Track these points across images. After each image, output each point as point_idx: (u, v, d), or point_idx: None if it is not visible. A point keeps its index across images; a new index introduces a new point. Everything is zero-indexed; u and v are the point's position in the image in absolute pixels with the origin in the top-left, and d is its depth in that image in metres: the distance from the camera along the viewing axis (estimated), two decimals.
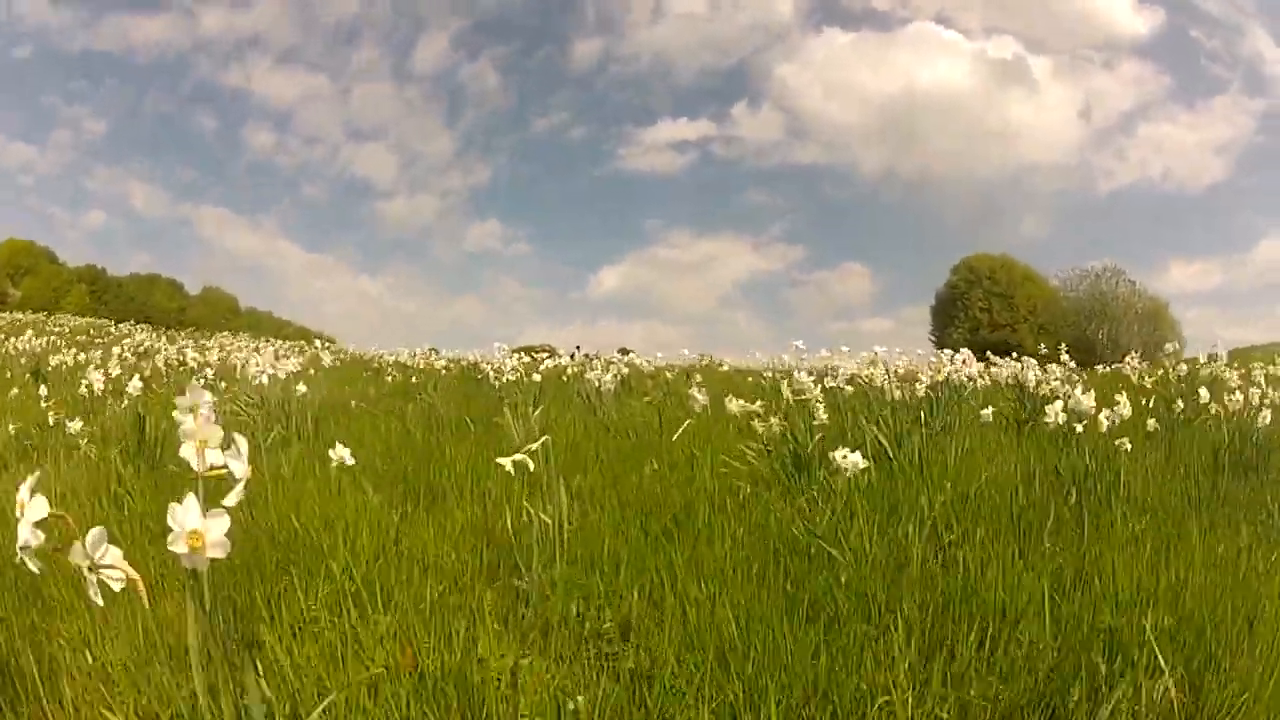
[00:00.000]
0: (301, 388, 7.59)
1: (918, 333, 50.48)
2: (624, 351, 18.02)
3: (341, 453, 4.01)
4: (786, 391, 5.73)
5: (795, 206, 55.09)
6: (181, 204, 58.40)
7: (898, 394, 6.47)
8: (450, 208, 56.54)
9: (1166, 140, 48.49)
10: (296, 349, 23.16)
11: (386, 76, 56.33)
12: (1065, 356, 13.09)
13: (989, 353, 14.49)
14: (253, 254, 57.51)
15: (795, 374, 5.68)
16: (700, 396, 4.42)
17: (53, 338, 23.90)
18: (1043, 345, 14.83)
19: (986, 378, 10.51)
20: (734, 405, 5.10)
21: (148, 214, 56.47)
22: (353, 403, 8.31)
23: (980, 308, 46.10)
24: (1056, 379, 9.68)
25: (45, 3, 51.23)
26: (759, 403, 5.20)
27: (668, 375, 10.85)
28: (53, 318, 36.22)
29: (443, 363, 11.59)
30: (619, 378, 10.44)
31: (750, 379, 11.28)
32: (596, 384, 5.66)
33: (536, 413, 6.15)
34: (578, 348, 23.46)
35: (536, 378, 9.22)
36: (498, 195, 56.06)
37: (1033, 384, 9.44)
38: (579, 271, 64.51)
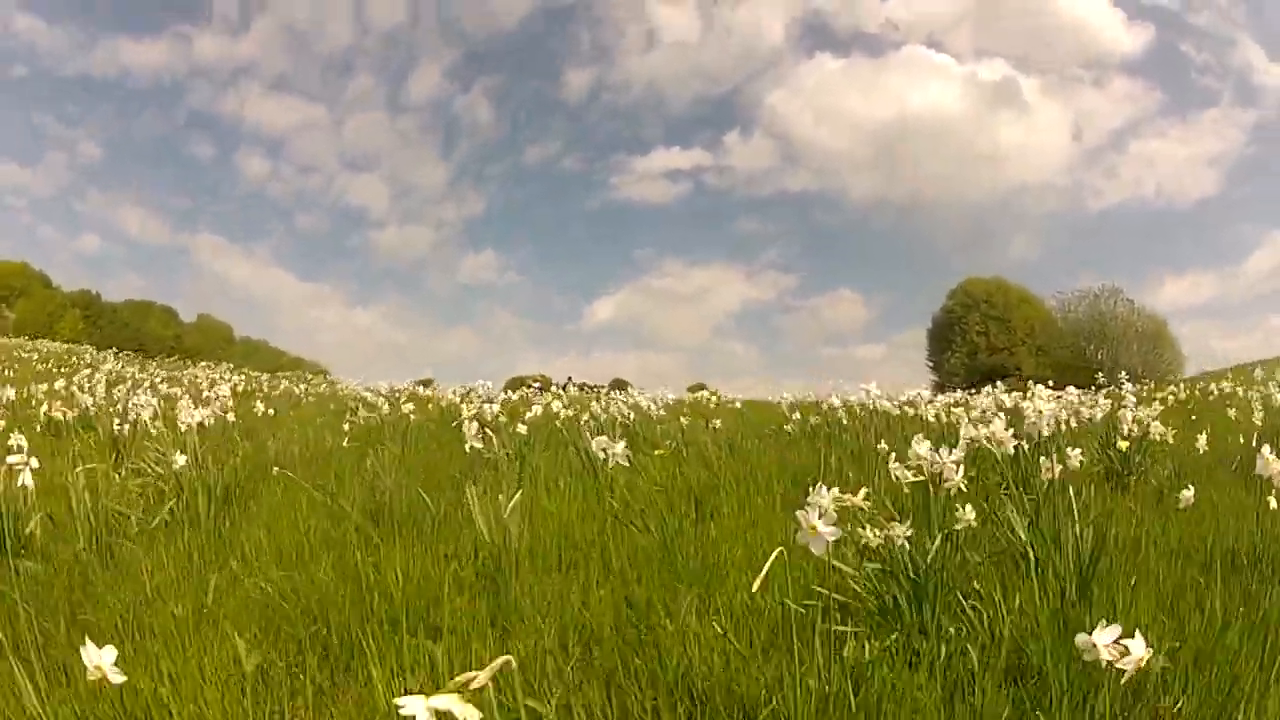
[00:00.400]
0: (179, 459, 5.44)
1: (910, 357, 49.13)
2: (620, 385, 16.01)
3: (103, 662, 1.90)
4: (900, 472, 3.65)
5: (787, 233, 53.41)
6: (176, 231, 56.68)
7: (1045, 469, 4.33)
8: (444, 238, 54.76)
9: (1158, 156, 47.12)
10: (265, 381, 21.10)
11: (380, 106, 54.52)
12: (1128, 383, 10.99)
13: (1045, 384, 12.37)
14: (246, 283, 55.63)
15: (914, 445, 3.59)
16: (824, 528, 2.27)
17: (17, 365, 21.98)
18: (1100, 374, 12.66)
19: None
20: (825, 498, 3.03)
21: (142, 240, 54.81)
22: (275, 469, 6.18)
23: (978, 331, 44.29)
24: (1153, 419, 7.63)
25: (42, 22, 49.44)
26: (864, 492, 3.13)
27: (682, 420, 8.79)
28: (37, 342, 34.20)
29: (410, 407, 9.46)
30: (626, 427, 8.37)
31: (787, 427, 9.19)
32: (604, 455, 3.62)
33: (514, 500, 4.03)
34: (569, 378, 21.39)
35: (523, 428, 7.18)
36: (491, 226, 54.40)
37: (1129, 423, 7.36)
38: (573, 302, 63.16)
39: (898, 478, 3.60)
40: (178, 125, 54.87)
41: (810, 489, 2.62)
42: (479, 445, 4.24)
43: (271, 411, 11.94)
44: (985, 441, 4.09)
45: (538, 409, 7.45)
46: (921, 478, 3.55)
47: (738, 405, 12.73)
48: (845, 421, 9.22)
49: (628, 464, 3.59)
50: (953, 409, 9.04)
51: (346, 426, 8.58)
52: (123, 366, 24.37)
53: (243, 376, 21.70)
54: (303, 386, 20.10)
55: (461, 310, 58.89)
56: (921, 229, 53.00)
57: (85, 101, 54.46)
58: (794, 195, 52.20)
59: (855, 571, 3.51)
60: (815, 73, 49.42)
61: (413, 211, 56.68)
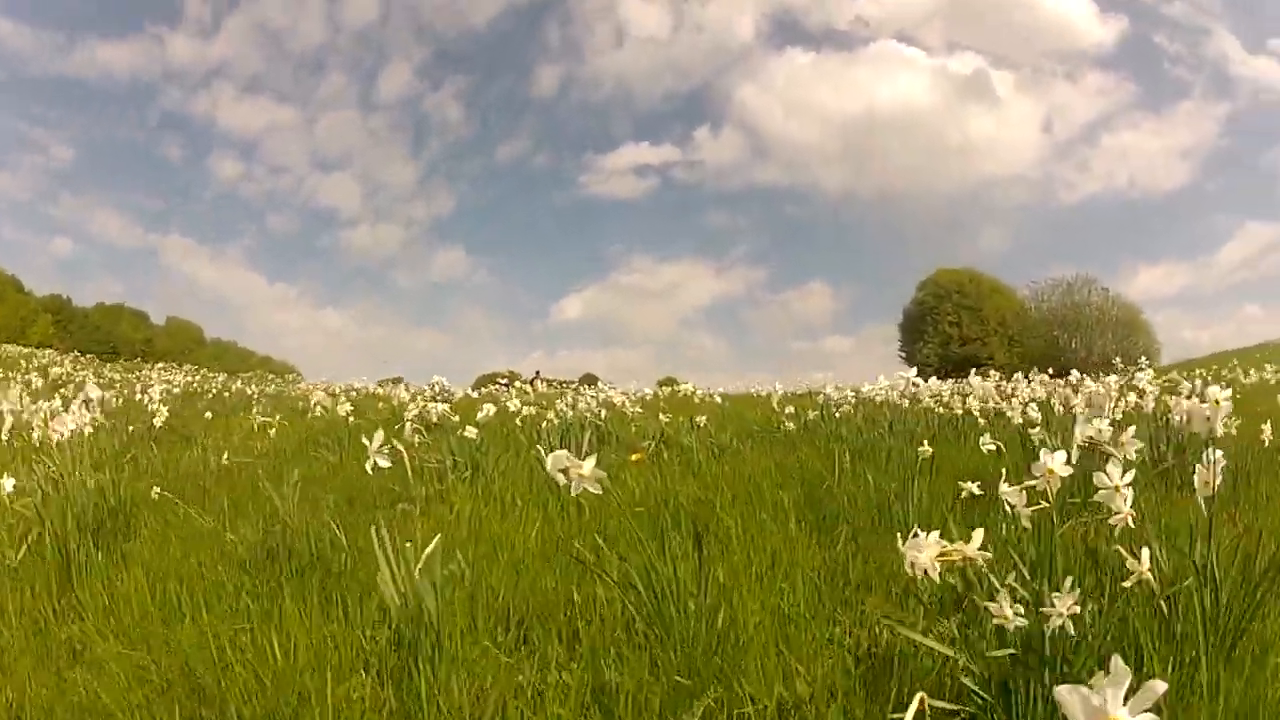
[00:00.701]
0: (6, 484, 4.13)
1: (879, 350, 48.15)
2: (590, 381, 14.72)
3: None
4: (1014, 498, 2.34)
5: (757, 227, 52.26)
6: (148, 233, 54.80)
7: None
8: (414, 236, 53.26)
9: (1130, 148, 46.24)
10: (221, 381, 19.66)
11: (352, 105, 52.91)
12: (1148, 369, 9.76)
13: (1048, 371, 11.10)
14: (217, 284, 54.03)
15: (1043, 457, 2.30)
16: None
17: None
18: (1119, 359, 11.54)
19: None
20: (924, 554, 1.79)
21: (115, 243, 53.09)
22: (155, 491, 4.85)
23: (950, 322, 43.33)
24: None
25: (14, 25, 47.46)
26: (978, 537, 1.88)
27: (662, 418, 7.47)
28: (3, 347, 32.57)
29: (348, 408, 8.15)
30: (598, 427, 7.07)
31: (789, 424, 7.86)
32: (563, 478, 2.34)
33: (430, 549, 2.70)
34: (536, 373, 20.06)
35: (471, 433, 5.84)
36: (461, 223, 52.85)
37: (1183, 412, 6.11)
38: (541, 300, 61.89)
39: (1012, 506, 2.32)
40: (150, 127, 52.97)
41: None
42: (385, 463, 2.92)
43: (209, 415, 10.59)
44: (1108, 446, 2.81)
45: (490, 408, 6.12)
46: (1044, 504, 2.29)
47: (718, 399, 11.45)
48: (839, 415, 8.04)
49: (601, 490, 2.27)
50: (964, 398, 7.81)
51: (273, 433, 7.23)
52: (79, 369, 22.96)
53: (197, 377, 20.31)
54: (254, 387, 18.67)
55: (432, 308, 57.50)
56: (892, 222, 52.01)
57: (59, 104, 52.72)
58: (764, 189, 50.98)
59: (953, 652, 2.25)
60: (785, 68, 48.24)
61: (383, 210, 55.23)
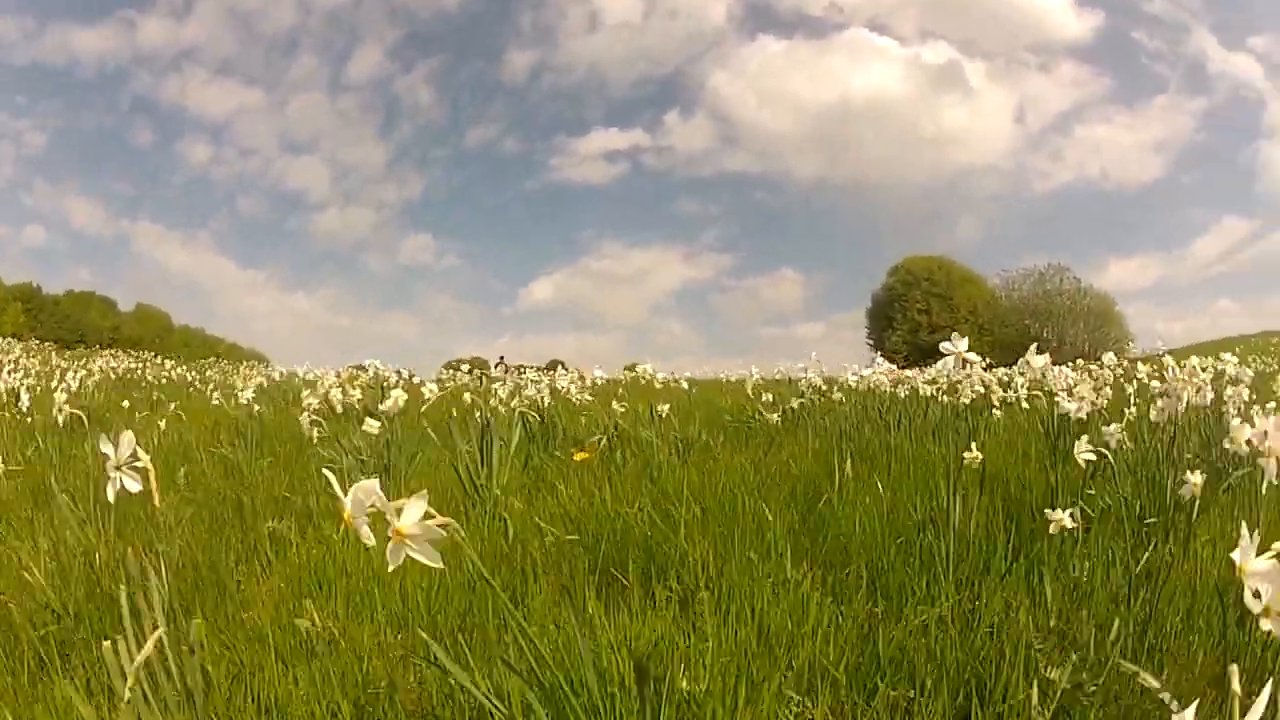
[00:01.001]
0: None
1: (849, 336, 47.33)
2: (554, 365, 13.56)
3: None
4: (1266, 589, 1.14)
5: (727, 214, 51.01)
6: (119, 220, 53.02)
7: None
8: (384, 220, 51.68)
9: (1104, 140, 45.54)
10: (170, 368, 18.34)
11: (322, 87, 51.26)
12: (1167, 355, 8.60)
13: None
14: (187, 270, 52.38)
15: None
16: None
17: None
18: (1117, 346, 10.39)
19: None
20: None
21: (86, 230, 51.23)
22: None
23: (919, 309, 42.50)
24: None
25: None
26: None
27: (617, 408, 6.15)
28: None
29: (250, 395, 6.88)
30: (541, 419, 5.80)
31: (772, 416, 6.56)
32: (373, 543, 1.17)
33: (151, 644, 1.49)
34: (501, 358, 18.86)
35: (373, 426, 4.53)
36: (430, 208, 51.24)
37: (1240, 402, 4.92)
38: (511, 285, 60.53)
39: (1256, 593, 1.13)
40: (122, 111, 51.11)
41: None
42: (134, 486, 1.70)
43: (126, 403, 9.35)
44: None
45: (400, 395, 4.83)
46: None
47: (684, 385, 10.20)
48: (818, 403, 6.87)
49: (437, 561, 1.04)
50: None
51: (164, 423, 5.97)
52: (29, 356, 21.64)
53: (140, 363, 18.99)
54: (193, 374, 17.38)
55: (401, 293, 56.04)
56: (865, 210, 50.98)
57: (32, 91, 50.65)
58: (735, 176, 49.71)
59: None
60: (758, 55, 46.99)
61: (353, 193, 53.61)
